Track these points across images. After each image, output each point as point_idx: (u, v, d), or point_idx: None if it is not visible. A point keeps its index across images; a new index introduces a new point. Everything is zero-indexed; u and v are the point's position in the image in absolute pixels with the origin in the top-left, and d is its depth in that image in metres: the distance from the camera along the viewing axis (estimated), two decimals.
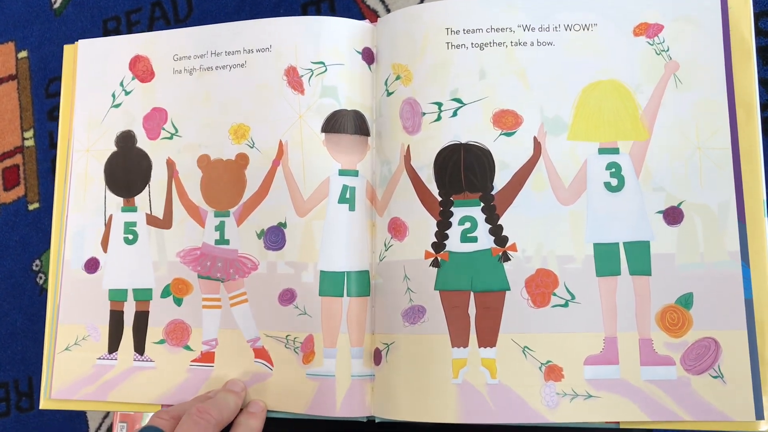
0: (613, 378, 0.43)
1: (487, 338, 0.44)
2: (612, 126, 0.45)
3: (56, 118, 0.62)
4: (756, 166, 0.43)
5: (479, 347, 0.43)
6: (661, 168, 0.44)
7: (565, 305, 0.44)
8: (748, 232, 0.43)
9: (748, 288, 0.42)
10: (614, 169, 0.45)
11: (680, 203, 0.44)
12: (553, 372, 0.43)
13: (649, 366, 0.43)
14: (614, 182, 0.44)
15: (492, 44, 0.46)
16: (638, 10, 0.45)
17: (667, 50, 0.45)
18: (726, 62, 0.45)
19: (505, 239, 0.44)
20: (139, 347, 0.50)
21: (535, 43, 0.46)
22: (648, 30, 0.45)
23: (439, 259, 0.45)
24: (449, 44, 0.46)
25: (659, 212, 0.44)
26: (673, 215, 0.44)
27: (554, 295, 0.44)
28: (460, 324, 0.44)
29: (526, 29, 0.46)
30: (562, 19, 0.46)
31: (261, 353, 0.47)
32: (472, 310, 0.44)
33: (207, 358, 0.49)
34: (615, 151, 0.45)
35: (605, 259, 0.44)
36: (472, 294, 0.44)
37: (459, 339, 0.44)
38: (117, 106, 0.53)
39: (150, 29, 0.60)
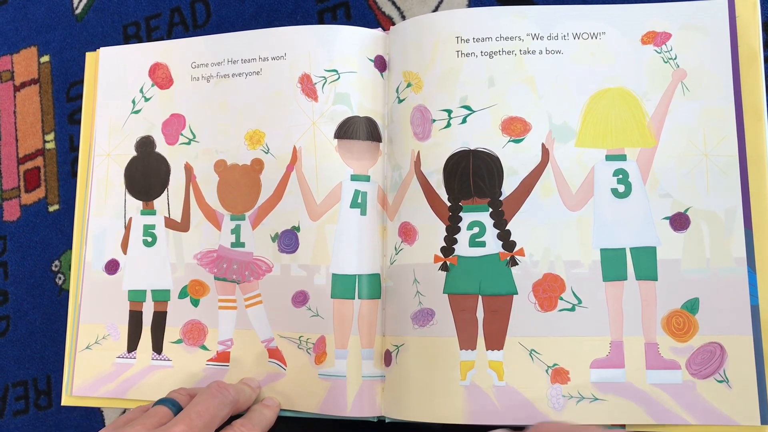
0: (619, 381, 0.43)
1: (495, 341, 0.44)
2: (619, 133, 0.45)
3: (77, 122, 0.63)
4: (763, 172, 0.44)
5: (487, 350, 0.44)
6: (668, 175, 0.45)
7: (572, 309, 0.44)
8: (754, 239, 0.43)
9: (754, 294, 0.43)
10: (621, 175, 0.45)
11: (687, 209, 0.44)
12: (559, 375, 0.44)
13: (654, 370, 0.43)
14: (621, 188, 0.45)
15: (501, 52, 0.47)
16: (646, 19, 0.46)
17: (675, 58, 0.45)
18: (734, 70, 0.45)
19: (513, 244, 0.45)
20: (157, 347, 0.51)
21: (544, 52, 0.46)
22: (656, 38, 0.46)
23: (448, 263, 0.46)
24: (459, 52, 0.47)
25: (666, 218, 0.44)
26: (679, 221, 0.44)
27: (561, 299, 0.44)
28: (468, 327, 0.45)
29: (535, 38, 0.47)
30: (571, 28, 0.46)
31: (275, 353, 0.49)
32: (480, 314, 0.45)
33: (223, 357, 0.50)
34: (622, 157, 0.45)
35: (612, 265, 0.44)
36: (480, 297, 0.45)
37: (467, 341, 0.44)
38: (137, 112, 0.54)
39: (169, 35, 0.61)
